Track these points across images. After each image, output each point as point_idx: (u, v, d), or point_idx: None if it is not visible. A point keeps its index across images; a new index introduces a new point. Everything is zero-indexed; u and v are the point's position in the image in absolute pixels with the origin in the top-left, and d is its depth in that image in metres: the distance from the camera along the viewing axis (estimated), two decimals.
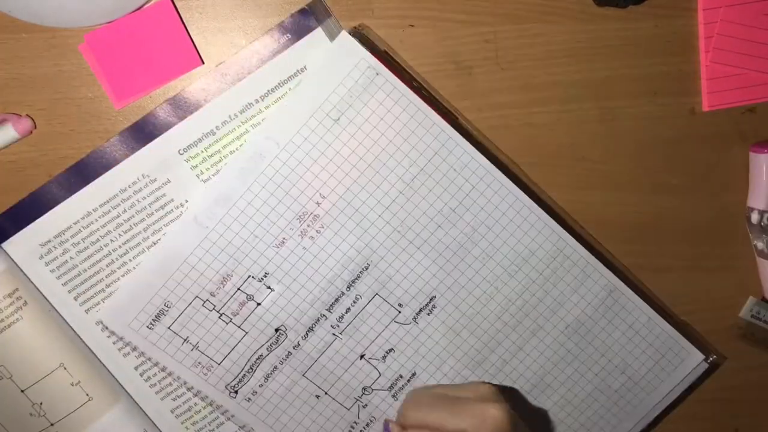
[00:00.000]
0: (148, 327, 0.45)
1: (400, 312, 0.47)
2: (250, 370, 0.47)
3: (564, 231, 0.48)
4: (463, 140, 0.45)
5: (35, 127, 0.45)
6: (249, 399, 0.47)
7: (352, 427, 0.49)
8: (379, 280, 0.47)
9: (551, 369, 0.49)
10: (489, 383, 0.45)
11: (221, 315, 0.46)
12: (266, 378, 0.47)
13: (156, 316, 0.45)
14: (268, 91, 0.44)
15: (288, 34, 0.43)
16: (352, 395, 0.48)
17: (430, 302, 0.48)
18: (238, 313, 0.46)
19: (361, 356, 0.48)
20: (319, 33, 0.43)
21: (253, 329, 0.46)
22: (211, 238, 0.44)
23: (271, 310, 0.46)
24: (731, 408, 0.54)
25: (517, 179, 0.47)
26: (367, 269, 0.46)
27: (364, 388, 0.48)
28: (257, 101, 0.44)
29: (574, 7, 0.46)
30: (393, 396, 0.48)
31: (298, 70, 0.44)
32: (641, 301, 0.49)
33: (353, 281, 0.47)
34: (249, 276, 0.45)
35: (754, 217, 0.49)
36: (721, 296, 0.52)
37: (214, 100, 0.44)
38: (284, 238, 0.45)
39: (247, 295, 0.46)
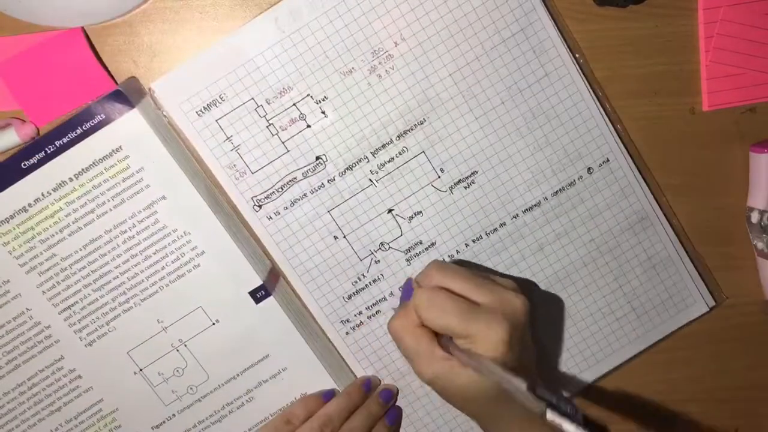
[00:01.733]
0: (197, 113, 0.46)
1: (439, 177, 0.49)
2: (280, 190, 0.48)
3: (617, 145, 0.50)
4: (551, 27, 0.47)
5: (38, 134, 0.46)
6: (270, 217, 0.48)
7: (359, 279, 0.50)
8: (430, 138, 0.48)
9: (563, 278, 0.51)
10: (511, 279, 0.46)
11: (269, 125, 0.47)
12: (293, 203, 0.48)
13: (207, 105, 0.46)
14: (83, 169, 0.45)
15: (102, 114, 0.44)
16: (368, 247, 0.49)
17: (470, 176, 0.49)
18: (286, 129, 0.47)
19: (389, 210, 0.49)
20: (134, 113, 0.45)
21: (296, 149, 0.47)
22: (284, 45, 0.45)
23: (318, 135, 0.47)
24: (731, 408, 0.55)
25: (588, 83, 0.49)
26: (421, 124, 0.48)
27: (382, 243, 0.49)
28: (71, 179, 0.45)
29: (574, 7, 0.48)
30: (407, 260, 0.50)
31: (113, 150, 0.45)
32: (667, 237, 0.51)
33: (405, 132, 0.48)
34: (308, 95, 0.46)
35: (754, 217, 0.51)
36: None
37: (27, 178, 0.45)
38: (353, 68, 0.46)
39: (301, 113, 0.47)
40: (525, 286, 0.51)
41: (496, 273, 0.51)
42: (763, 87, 0.50)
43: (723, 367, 0.54)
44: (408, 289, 0.45)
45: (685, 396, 0.55)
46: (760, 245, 0.51)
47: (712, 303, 0.53)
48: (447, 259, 0.50)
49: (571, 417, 0.35)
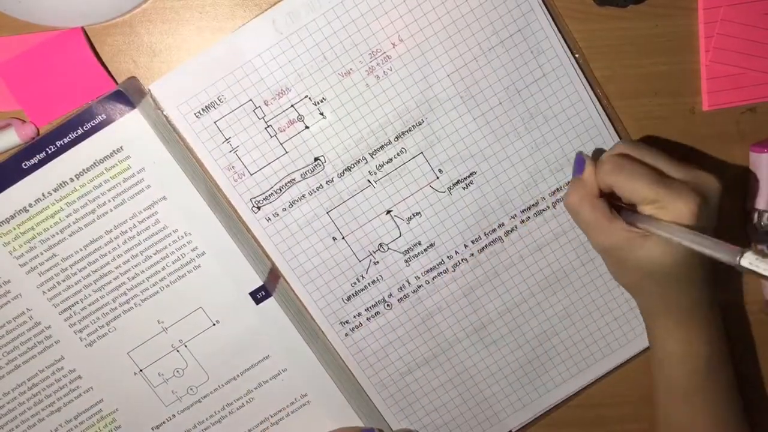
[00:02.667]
0: (195, 114, 0.47)
1: (438, 178, 0.50)
2: (279, 191, 0.48)
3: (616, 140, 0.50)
4: (549, 27, 0.48)
5: (38, 134, 0.46)
6: (269, 219, 0.49)
7: (357, 281, 0.51)
8: (428, 139, 0.49)
9: (562, 277, 0.52)
10: None
11: (268, 126, 0.47)
12: (291, 204, 0.49)
13: (206, 107, 0.47)
14: (84, 170, 0.46)
15: (103, 115, 0.45)
16: (367, 248, 0.50)
17: (469, 176, 0.50)
18: (284, 130, 0.48)
19: (388, 211, 0.50)
20: (135, 114, 0.45)
21: (294, 151, 0.48)
22: (282, 46, 0.46)
23: (316, 137, 0.48)
24: None
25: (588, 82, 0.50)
26: (419, 125, 0.49)
27: (380, 244, 0.50)
28: (72, 180, 0.46)
29: (574, 7, 0.49)
30: (406, 261, 0.50)
31: (114, 150, 0.46)
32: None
33: (403, 133, 0.48)
34: (306, 96, 0.47)
35: (754, 217, 0.51)
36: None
37: (27, 178, 0.46)
38: (351, 69, 0.47)
39: (299, 114, 0.47)
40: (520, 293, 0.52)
41: None
42: (763, 87, 0.50)
43: None
44: (580, 163, 0.45)
45: None
46: (760, 245, 0.52)
47: None
48: (446, 261, 0.51)
49: None
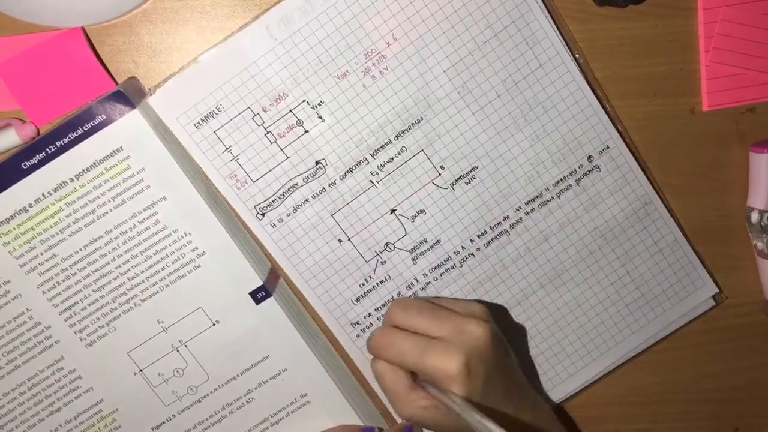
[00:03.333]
0: (195, 125, 0.48)
1: (440, 174, 0.50)
2: (282, 197, 0.49)
3: (615, 131, 0.51)
4: (543, 17, 0.49)
5: (38, 134, 0.47)
6: (274, 225, 0.50)
7: (366, 281, 0.51)
8: (428, 137, 0.49)
9: (570, 267, 0.53)
10: (482, 305, 0.47)
11: (267, 133, 0.48)
12: (295, 209, 0.49)
13: (205, 117, 0.47)
14: (84, 170, 0.46)
15: (103, 115, 0.46)
16: (373, 248, 0.51)
17: (471, 171, 0.50)
18: (284, 136, 0.48)
19: (392, 210, 0.50)
20: (135, 114, 0.46)
21: (295, 156, 0.49)
22: (277, 52, 0.47)
23: (316, 140, 0.49)
24: (731, 407, 0.57)
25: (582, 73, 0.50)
26: (419, 123, 0.49)
27: (387, 244, 0.51)
28: (72, 180, 0.46)
29: (574, 7, 0.49)
30: (413, 259, 0.51)
31: (114, 150, 0.46)
32: (672, 220, 0.53)
33: (403, 132, 0.49)
34: (304, 100, 0.48)
35: (754, 217, 0.52)
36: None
37: (27, 178, 0.46)
38: (347, 71, 0.48)
39: (298, 119, 0.48)
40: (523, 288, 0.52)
41: (459, 302, 0.51)
42: (763, 87, 0.51)
43: (723, 367, 0.56)
44: None
45: (685, 396, 0.56)
46: (760, 245, 0.53)
47: (716, 289, 0.54)
48: (453, 257, 0.51)
49: None
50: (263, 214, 0.49)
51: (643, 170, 0.52)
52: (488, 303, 0.53)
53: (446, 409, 0.41)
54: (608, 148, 0.51)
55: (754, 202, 0.52)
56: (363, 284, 0.51)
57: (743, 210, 0.53)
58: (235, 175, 0.48)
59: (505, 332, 0.52)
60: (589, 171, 0.51)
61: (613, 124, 0.51)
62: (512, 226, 0.51)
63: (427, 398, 0.43)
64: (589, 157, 0.51)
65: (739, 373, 0.56)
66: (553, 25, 0.49)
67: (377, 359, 0.45)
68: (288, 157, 0.49)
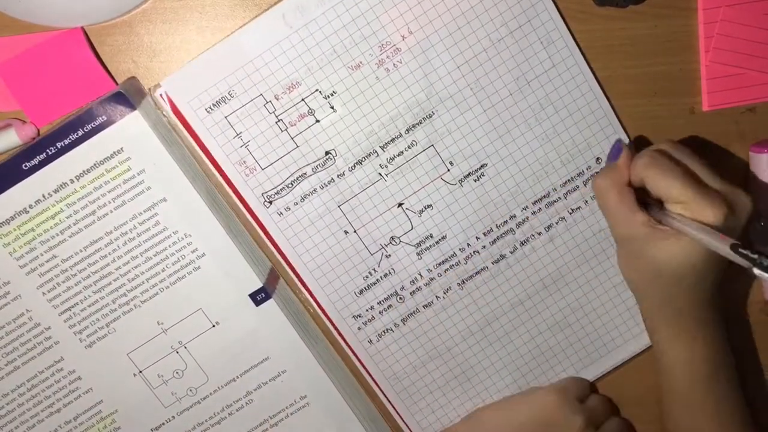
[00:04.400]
0: (206, 110, 0.48)
1: (449, 170, 0.51)
2: (290, 185, 0.50)
3: (625, 134, 0.52)
4: (558, 18, 0.49)
5: (38, 134, 0.48)
6: (281, 213, 0.50)
7: (370, 274, 0.52)
8: (439, 132, 0.50)
9: (574, 269, 0.54)
10: None
11: (278, 121, 0.49)
12: (303, 198, 0.50)
13: (217, 102, 0.48)
14: (84, 171, 0.47)
15: (104, 116, 0.46)
16: (379, 241, 0.51)
17: (480, 168, 0.51)
18: (295, 125, 0.49)
19: (400, 204, 0.51)
20: (135, 115, 0.47)
21: (305, 145, 0.49)
22: (292, 40, 0.48)
23: (327, 130, 0.49)
24: None
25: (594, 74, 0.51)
26: (430, 117, 0.50)
27: (392, 237, 0.51)
28: (72, 181, 0.47)
29: (574, 7, 0.50)
30: (418, 254, 0.52)
31: (114, 152, 0.47)
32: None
33: (414, 125, 0.50)
34: (317, 90, 0.48)
35: (754, 217, 0.52)
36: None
37: (28, 179, 0.47)
38: (361, 62, 0.48)
39: (310, 108, 0.49)
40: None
41: None
42: (763, 87, 0.52)
43: None
44: (616, 149, 0.47)
45: None
46: (760, 245, 0.53)
47: None
48: (458, 254, 0.52)
49: None
50: (270, 202, 0.50)
51: None
52: (486, 302, 0.53)
53: (673, 244, 0.43)
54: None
55: (754, 203, 0.53)
56: (367, 277, 0.52)
57: None
58: (245, 162, 0.49)
59: (506, 331, 0.54)
60: (597, 172, 0.52)
61: (623, 126, 0.51)
62: (518, 225, 0.52)
63: (652, 225, 0.44)
64: (598, 158, 0.52)
65: (738, 373, 0.56)
66: (567, 26, 0.49)
67: (605, 175, 0.46)
68: (298, 146, 0.49)
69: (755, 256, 0.38)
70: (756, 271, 0.38)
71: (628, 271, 0.48)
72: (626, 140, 0.52)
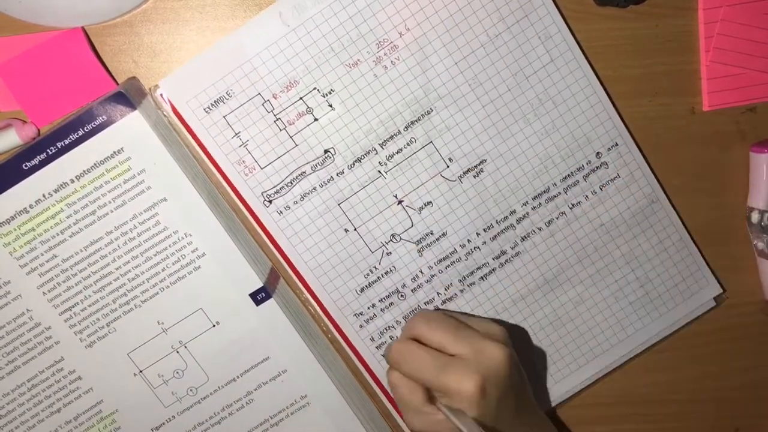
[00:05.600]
0: (205, 110, 0.49)
1: (448, 167, 0.52)
2: (290, 184, 0.51)
3: (624, 129, 0.53)
4: (556, 12, 0.50)
5: (38, 134, 0.49)
6: (281, 212, 0.51)
7: (371, 272, 0.53)
8: (438, 128, 0.51)
9: (575, 264, 0.54)
10: (501, 325, 0.48)
11: (277, 120, 0.50)
12: (303, 197, 0.51)
13: (215, 102, 0.49)
14: (84, 171, 0.48)
15: (104, 116, 0.47)
16: (379, 239, 0.52)
17: (479, 164, 0.52)
18: (293, 123, 0.50)
19: (399, 201, 0.52)
20: (136, 115, 0.47)
21: (304, 144, 0.50)
22: (290, 39, 0.48)
23: (326, 129, 0.50)
24: (731, 408, 0.58)
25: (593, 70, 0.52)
26: (428, 114, 0.51)
27: (393, 235, 0.52)
28: (72, 181, 0.48)
29: (575, 7, 0.51)
30: (419, 251, 0.53)
31: (115, 152, 0.48)
32: (678, 219, 0.55)
33: (412, 122, 0.51)
34: (315, 88, 0.49)
35: (754, 217, 0.54)
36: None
37: (28, 179, 0.48)
38: (359, 60, 0.49)
39: (308, 107, 0.49)
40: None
41: (487, 318, 0.53)
42: (763, 87, 0.52)
43: (723, 367, 0.57)
44: None
45: (685, 396, 0.57)
46: (760, 245, 0.54)
47: (720, 289, 0.56)
48: (459, 250, 0.53)
49: None
50: (270, 201, 0.51)
51: (651, 169, 0.53)
52: (487, 298, 0.54)
53: (457, 429, 0.43)
54: (617, 145, 0.53)
55: (755, 202, 0.54)
56: (368, 275, 0.53)
57: (743, 210, 0.55)
58: (243, 161, 0.50)
59: (507, 327, 0.54)
60: (597, 167, 0.53)
61: (623, 120, 0.52)
62: (519, 220, 0.53)
63: (440, 415, 0.45)
64: (598, 153, 0.53)
65: (739, 373, 0.57)
66: (565, 21, 0.50)
67: (394, 370, 0.47)
68: (297, 145, 0.50)
69: None
70: None
71: None
72: (625, 139, 0.52)
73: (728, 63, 0.52)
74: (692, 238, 0.55)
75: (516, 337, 0.54)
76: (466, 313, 0.53)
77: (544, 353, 0.55)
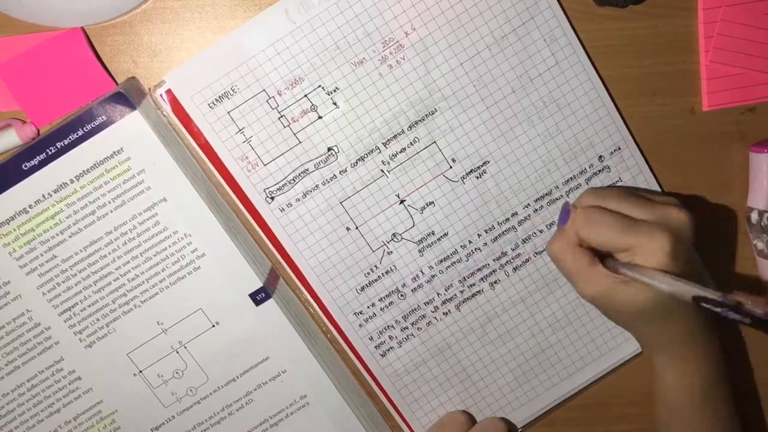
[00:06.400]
0: (209, 105, 0.49)
1: (451, 167, 0.52)
2: (293, 181, 0.51)
3: (628, 133, 0.53)
4: (562, 15, 0.51)
5: (38, 134, 0.49)
6: (282, 209, 0.51)
7: (371, 271, 0.53)
8: (441, 129, 0.51)
9: None
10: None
11: (281, 117, 0.50)
12: (305, 194, 0.51)
13: (219, 97, 0.49)
14: (84, 171, 0.48)
15: (104, 116, 0.47)
16: (381, 238, 0.53)
17: (482, 166, 0.52)
18: (297, 120, 0.50)
19: (402, 201, 0.52)
20: (135, 115, 0.48)
21: (307, 141, 0.50)
22: (295, 36, 0.49)
23: (330, 126, 0.50)
24: None
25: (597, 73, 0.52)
26: (432, 114, 0.51)
27: (394, 234, 0.53)
28: (72, 181, 0.48)
29: (574, 7, 0.51)
30: (419, 251, 0.53)
31: (114, 152, 0.48)
32: None
33: (416, 122, 0.51)
34: (320, 86, 0.50)
35: (754, 217, 0.54)
36: None
37: (28, 179, 0.48)
38: (364, 59, 0.50)
39: (312, 104, 0.50)
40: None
41: (654, 193, 0.53)
42: (763, 87, 0.53)
43: None
44: (565, 213, 0.48)
45: None
46: (760, 245, 0.54)
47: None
48: (460, 251, 0.53)
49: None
50: (272, 198, 0.51)
51: (653, 173, 0.54)
52: (487, 299, 0.55)
53: (637, 286, 0.44)
54: (619, 149, 0.53)
55: (754, 202, 0.54)
56: (368, 273, 0.53)
57: (743, 210, 0.55)
58: (247, 157, 0.50)
59: (507, 329, 0.55)
60: (599, 171, 0.53)
61: (626, 125, 0.53)
62: (520, 222, 0.53)
63: (611, 276, 0.45)
64: (600, 157, 0.53)
65: (739, 373, 0.57)
66: (570, 24, 0.51)
67: (556, 240, 0.47)
68: (300, 142, 0.50)
69: (718, 310, 0.38)
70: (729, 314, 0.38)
71: (612, 320, 0.49)
72: (628, 143, 0.53)
73: (728, 63, 0.52)
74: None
75: (516, 338, 0.55)
76: (635, 187, 0.53)
77: (544, 355, 0.55)
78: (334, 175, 0.51)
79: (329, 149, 0.51)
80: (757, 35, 0.52)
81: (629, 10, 0.51)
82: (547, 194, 0.53)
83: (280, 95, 0.50)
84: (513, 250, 0.54)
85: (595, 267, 0.46)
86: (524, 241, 0.54)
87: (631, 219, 0.45)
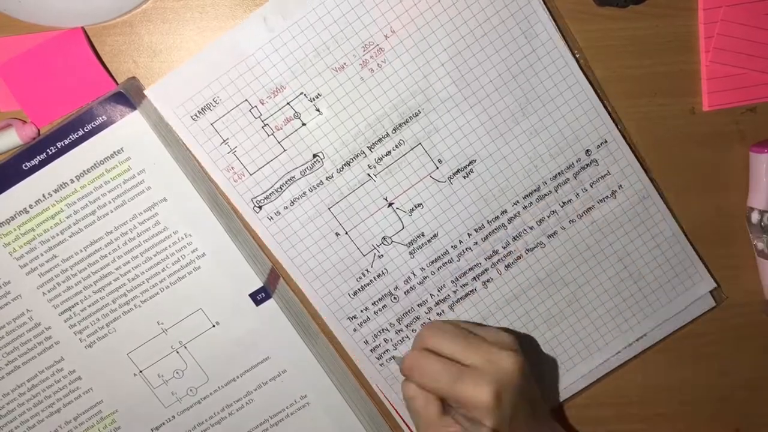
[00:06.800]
0: (192, 117, 0.50)
1: (437, 168, 0.52)
2: (279, 190, 0.51)
3: (613, 126, 0.54)
4: (542, 10, 0.51)
5: (38, 134, 0.49)
6: (271, 218, 0.52)
7: (363, 275, 0.53)
8: (426, 130, 0.52)
9: (567, 262, 0.55)
10: (511, 333, 0.49)
11: (264, 125, 0.50)
12: (293, 202, 0.51)
13: (202, 109, 0.50)
14: (84, 171, 0.49)
15: (104, 116, 0.48)
16: (371, 242, 0.53)
17: (468, 165, 0.53)
18: (281, 129, 0.50)
19: (390, 204, 0.53)
20: (136, 115, 0.48)
21: (292, 149, 0.51)
22: (275, 44, 0.49)
23: (314, 133, 0.51)
24: (731, 408, 0.59)
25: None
26: (416, 116, 0.51)
27: (384, 237, 0.53)
28: (72, 181, 0.49)
29: (575, 7, 0.52)
30: (410, 253, 0.53)
31: (115, 152, 0.49)
32: (670, 215, 0.55)
33: (401, 125, 0.51)
34: (301, 93, 0.50)
35: (754, 217, 0.54)
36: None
37: (28, 179, 0.48)
38: (345, 64, 0.50)
39: (295, 112, 0.50)
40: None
41: (488, 329, 0.53)
42: (763, 87, 0.53)
43: (723, 367, 0.58)
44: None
45: (685, 396, 0.58)
46: (760, 245, 0.55)
47: (714, 284, 0.56)
48: (451, 251, 0.54)
49: None
50: (260, 207, 0.51)
51: (642, 165, 0.54)
52: (480, 298, 0.55)
53: None
54: (606, 142, 0.53)
55: (754, 202, 0.54)
56: (360, 278, 0.53)
57: (743, 210, 0.55)
58: (232, 168, 0.50)
59: (507, 325, 0.55)
60: (587, 165, 0.53)
61: (612, 118, 0.53)
62: (510, 220, 0.54)
63: (456, 426, 0.46)
64: (587, 151, 0.53)
65: (739, 373, 0.58)
66: (551, 19, 0.51)
67: (409, 382, 0.48)
68: (285, 150, 0.51)
69: None
70: None
71: None
72: (614, 135, 0.53)
73: (728, 63, 0.52)
74: (685, 234, 0.55)
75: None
76: (475, 323, 0.54)
77: (540, 351, 0.56)
78: (321, 181, 0.51)
79: (314, 156, 0.51)
80: (757, 35, 0.52)
81: (629, 10, 0.52)
82: (535, 190, 0.53)
83: (262, 104, 0.50)
84: (504, 248, 0.54)
85: (442, 415, 0.46)
86: (515, 238, 0.54)
87: (459, 366, 0.46)
